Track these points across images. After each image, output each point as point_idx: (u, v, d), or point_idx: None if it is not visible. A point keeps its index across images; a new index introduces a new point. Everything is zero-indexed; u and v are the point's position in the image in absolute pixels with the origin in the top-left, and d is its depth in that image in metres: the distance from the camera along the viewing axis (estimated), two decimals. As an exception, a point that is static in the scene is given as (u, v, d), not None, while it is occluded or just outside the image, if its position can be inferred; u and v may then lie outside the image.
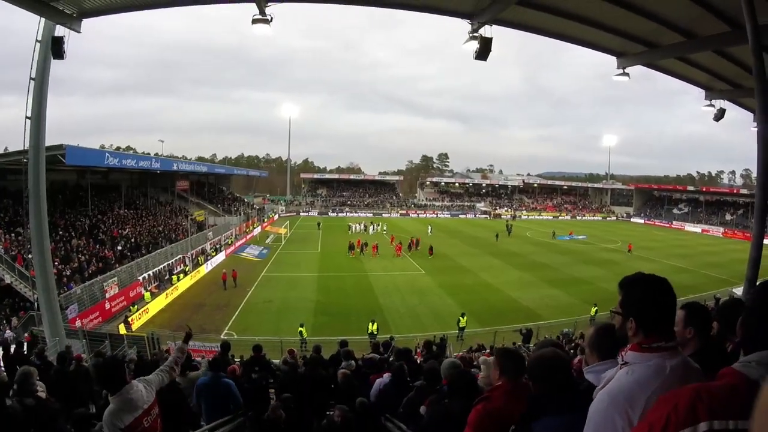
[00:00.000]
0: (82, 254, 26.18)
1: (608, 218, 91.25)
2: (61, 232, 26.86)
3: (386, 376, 6.82)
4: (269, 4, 11.55)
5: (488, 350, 16.47)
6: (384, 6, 12.59)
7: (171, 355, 4.60)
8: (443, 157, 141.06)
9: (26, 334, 17.22)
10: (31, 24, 13.08)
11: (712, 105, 16.67)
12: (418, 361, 9.23)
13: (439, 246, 47.13)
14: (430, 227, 59.18)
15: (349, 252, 41.29)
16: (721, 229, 69.03)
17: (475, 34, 11.70)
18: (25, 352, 10.41)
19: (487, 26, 11.59)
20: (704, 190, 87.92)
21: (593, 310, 23.88)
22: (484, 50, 11.60)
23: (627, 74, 14.18)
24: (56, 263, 22.21)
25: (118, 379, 3.70)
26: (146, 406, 3.76)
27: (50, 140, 18.17)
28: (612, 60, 14.38)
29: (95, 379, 4.41)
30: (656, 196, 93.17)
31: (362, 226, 57.54)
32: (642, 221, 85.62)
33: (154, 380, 4.05)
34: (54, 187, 30.19)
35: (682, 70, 15.20)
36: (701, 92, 16.91)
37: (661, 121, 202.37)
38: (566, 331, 20.48)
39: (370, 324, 20.87)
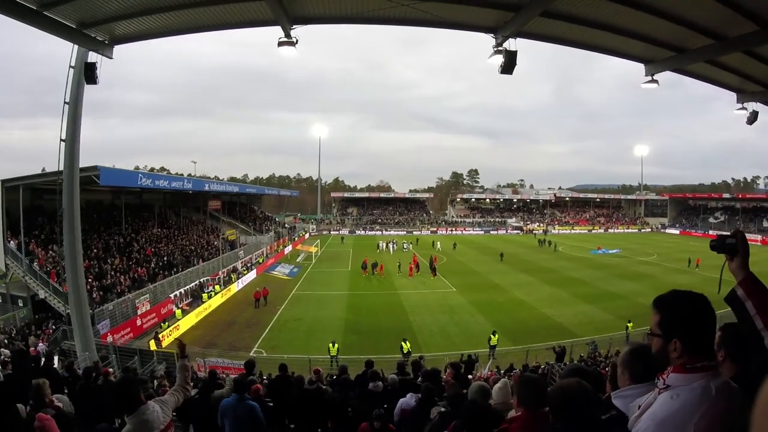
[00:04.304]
0: (115, 272, 26.69)
1: (643, 230, 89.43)
2: (95, 251, 27.47)
3: (410, 396, 6.66)
4: (294, 26, 11.69)
5: (517, 371, 16.08)
6: (408, 24, 12.55)
7: (178, 377, 4.54)
8: (473, 173, 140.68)
9: (32, 348, 17.57)
10: (66, 50, 13.54)
11: (744, 108, 16.00)
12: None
13: (470, 263, 47.60)
14: (437, 243, 59.44)
15: (363, 271, 41.30)
16: (759, 237, 66.59)
17: (500, 48, 11.57)
18: (54, 366, 10.56)
19: (511, 39, 11.47)
20: (740, 196, 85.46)
21: (629, 326, 23.27)
22: (509, 64, 11.42)
23: (656, 81, 13.81)
24: (90, 280, 22.74)
25: (134, 399, 3.68)
26: (162, 426, 3.75)
27: (89, 161, 18.83)
28: (641, 68, 14.09)
29: (112, 399, 4.42)
30: (691, 206, 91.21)
31: (393, 245, 57.85)
32: (677, 232, 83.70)
33: (170, 400, 4.05)
34: (89, 206, 31.04)
35: (711, 73, 14.72)
36: (732, 96, 16.35)
37: (693, 129, 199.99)
38: (594, 345, 20.14)
39: (403, 343, 20.56)
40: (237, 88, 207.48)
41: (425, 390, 6.43)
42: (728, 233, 2.14)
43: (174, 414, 4.31)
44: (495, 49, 11.84)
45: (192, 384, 4.65)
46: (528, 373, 12.05)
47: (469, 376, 13.14)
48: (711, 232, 75.54)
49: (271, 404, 7.91)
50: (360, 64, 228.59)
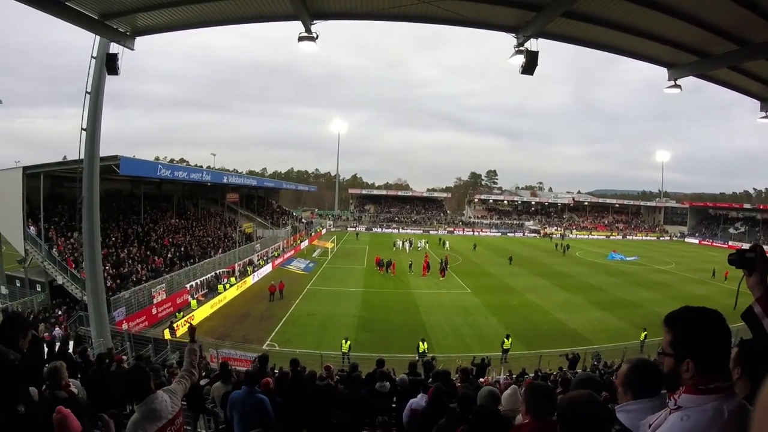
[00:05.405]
0: (133, 260, 27.02)
1: (662, 238, 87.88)
2: (113, 239, 27.81)
3: (420, 397, 6.62)
4: (314, 22, 11.70)
5: (529, 377, 15.93)
6: (429, 22, 12.51)
7: (185, 360, 4.54)
8: (492, 174, 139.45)
9: (46, 334, 17.81)
10: (89, 41, 13.72)
11: (767, 117, 15.73)
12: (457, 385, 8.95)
13: (486, 264, 47.24)
14: (445, 242, 60.24)
15: (378, 268, 41.28)
16: (780, 251, 64.40)
17: (521, 48, 11.50)
18: (70, 351, 10.67)
19: (533, 40, 11.38)
20: (761, 207, 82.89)
21: (642, 335, 22.93)
22: (530, 64, 11.34)
23: (679, 86, 13.55)
24: (107, 268, 23.05)
25: (143, 387, 3.68)
26: (170, 416, 3.73)
27: (108, 151, 18.99)
28: (663, 73, 13.85)
29: (121, 388, 4.41)
30: (712, 215, 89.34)
31: (409, 243, 57.79)
32: (696, 241, 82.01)
33: (178, 389, 4.03)
34: (108, 195, 31.40)
35: (734, 80, 14.38)
36: (755, 104, 15.92)
37: (713, 135, 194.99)
38: (598, 356, 19.93)
39: (421, 343, 20.53)
40: (254, 83, 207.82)
41: (435, 390, 6.39)
42: (747, 247, 2.06)
43: (183, 403, 4.31)
44: (516, 49, 11.77)
45: (200, 371, 4.61)
46: (539, 380, 11.95)
47: (481, 380, 13.06)
48: (731, 243, 73.83)
49: (280, 399, 7.92)
50: (377, 62, 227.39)
